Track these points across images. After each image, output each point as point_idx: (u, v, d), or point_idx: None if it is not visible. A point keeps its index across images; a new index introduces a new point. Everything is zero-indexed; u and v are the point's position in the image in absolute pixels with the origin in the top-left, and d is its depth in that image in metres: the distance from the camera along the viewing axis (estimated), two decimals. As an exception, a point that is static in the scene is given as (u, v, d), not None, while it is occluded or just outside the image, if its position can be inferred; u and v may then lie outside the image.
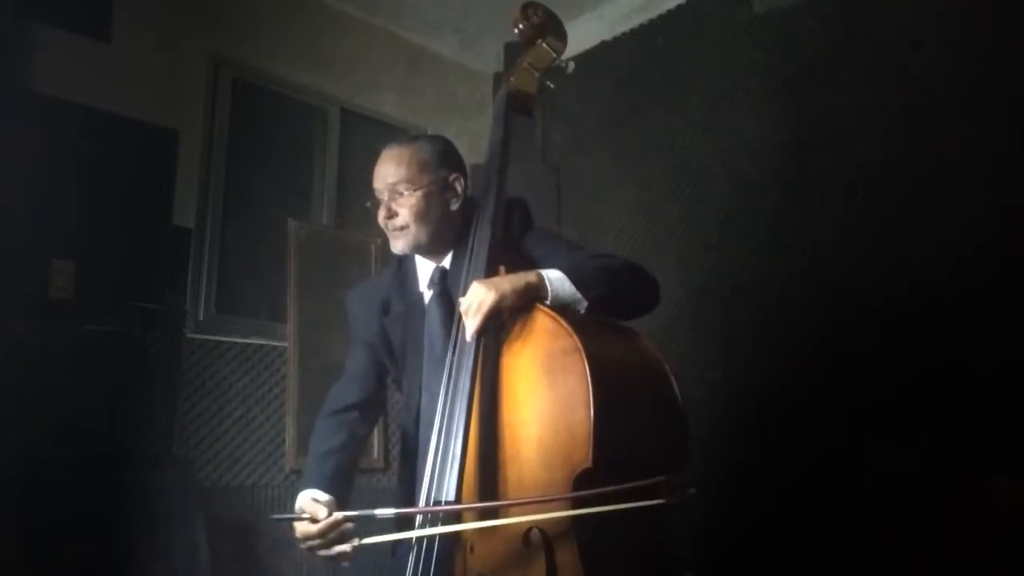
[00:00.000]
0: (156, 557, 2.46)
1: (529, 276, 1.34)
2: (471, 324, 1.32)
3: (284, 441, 3.04)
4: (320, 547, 1.35)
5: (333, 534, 1.34)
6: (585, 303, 1.36)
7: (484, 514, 1.25)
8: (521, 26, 1.64)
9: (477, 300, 1.31)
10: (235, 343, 3.03)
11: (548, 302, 1.33)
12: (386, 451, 3.28)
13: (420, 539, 1.27)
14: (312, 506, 1.38)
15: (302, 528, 1.36)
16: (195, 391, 2.88)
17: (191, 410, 2.86)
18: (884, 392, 2.45)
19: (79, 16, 2.76)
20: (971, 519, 2.17)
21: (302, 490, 1.46)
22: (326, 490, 1.44)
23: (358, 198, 3.52)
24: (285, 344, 3.12)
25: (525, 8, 1.64)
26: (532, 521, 1.19)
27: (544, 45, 1.64)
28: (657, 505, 1.11)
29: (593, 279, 1.37)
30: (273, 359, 3.12)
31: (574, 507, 1.17)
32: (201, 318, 3.01)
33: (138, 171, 2.85)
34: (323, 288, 3.21)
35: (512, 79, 1.65)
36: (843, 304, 2.62)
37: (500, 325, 1.34)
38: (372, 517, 1.26)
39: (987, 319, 2.28)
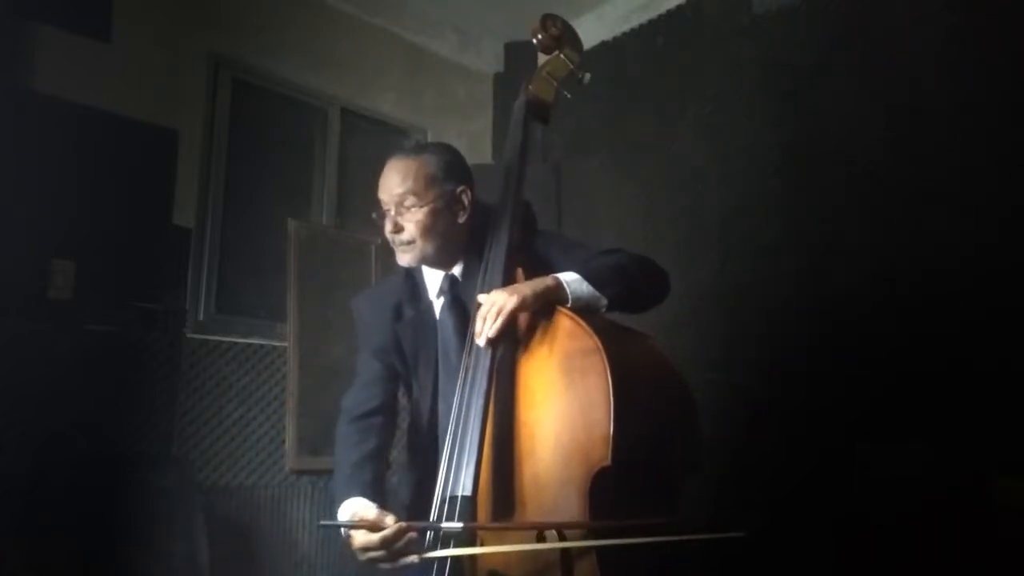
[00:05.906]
0: (156, 557, 2.45)
1: (547, 281, 1.36)
2: (489, 329, 1.31)
3: (284, 441, 3.04)
4: (384, 559, 1.24)
5: (399, 544, 1.23)
6: (605, 301, 1.38)
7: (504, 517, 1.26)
8: (540, 36, 1.71)
9: (498, 305, 1.31)
10: (235, 343, 3.03)
11: (568, 304, 1.35)
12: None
13: (435, 536, 1.26)
14: (376, 514, 1.28)
15: (363, 538, 1.25)
16: (195, 391, 2.88)
17: (191, 410, 2.86)
18: (884, 393, 2.46)
19: (79, 16, 2.75)
20: (971, 519, 2.17)
21: (344, 499, 1.38)
22: (370, 498, 1.36)
23: (358, 198, 3.52)
24: (285, 344, 3.12)
25: (545, 20, 1.71)
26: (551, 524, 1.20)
27: (562, 56, 1.71)
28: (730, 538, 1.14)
29: (609, 278, 1.40)
30: (273, 359, 3.11)
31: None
32: (201, 318, 3.01)
33: (138, 171, 2.84)
34: (323, 288, 3.21)
35: (531, 87, 1.70)
36: (843, 304, 2.62)
37: (516, 328, 1.36)
38: (438, 530, 1.21)
39: (987, 319, 2.29)
